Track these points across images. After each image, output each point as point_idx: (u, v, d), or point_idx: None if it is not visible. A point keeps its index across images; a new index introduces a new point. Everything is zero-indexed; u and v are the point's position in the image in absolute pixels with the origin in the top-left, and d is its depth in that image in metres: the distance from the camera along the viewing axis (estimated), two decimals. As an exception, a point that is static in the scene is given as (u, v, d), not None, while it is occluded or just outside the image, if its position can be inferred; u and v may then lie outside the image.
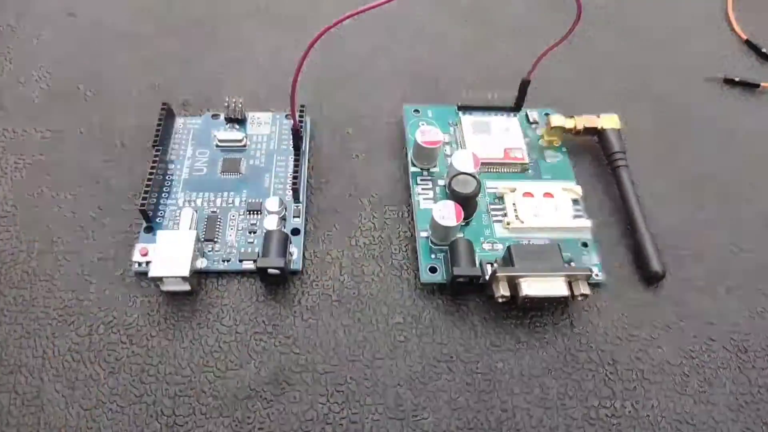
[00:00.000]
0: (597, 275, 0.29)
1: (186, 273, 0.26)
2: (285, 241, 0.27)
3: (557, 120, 0.33)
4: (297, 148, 0.31)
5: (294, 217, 0.30)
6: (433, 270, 0.28)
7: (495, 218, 0.30)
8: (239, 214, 0.30)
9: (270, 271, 0.27)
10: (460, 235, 0.29)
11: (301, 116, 0.32)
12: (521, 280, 0.26)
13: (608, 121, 0.33)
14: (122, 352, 0.26)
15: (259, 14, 0.41)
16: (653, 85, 0.38)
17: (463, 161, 0.29)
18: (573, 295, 0.26)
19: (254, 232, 0.29)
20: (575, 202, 0.31)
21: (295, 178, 0.30)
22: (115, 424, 0.24)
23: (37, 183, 0.31)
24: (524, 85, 0.33)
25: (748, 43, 0.41)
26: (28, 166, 0.32)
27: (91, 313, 0.27)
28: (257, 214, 0.30)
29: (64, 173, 0.32)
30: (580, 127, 0.33)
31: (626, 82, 0.38)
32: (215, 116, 0.34)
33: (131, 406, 0.25)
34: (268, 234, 0.27)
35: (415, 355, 0.26)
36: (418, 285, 0.28)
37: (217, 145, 0.32)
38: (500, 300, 0.26)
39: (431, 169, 0.32)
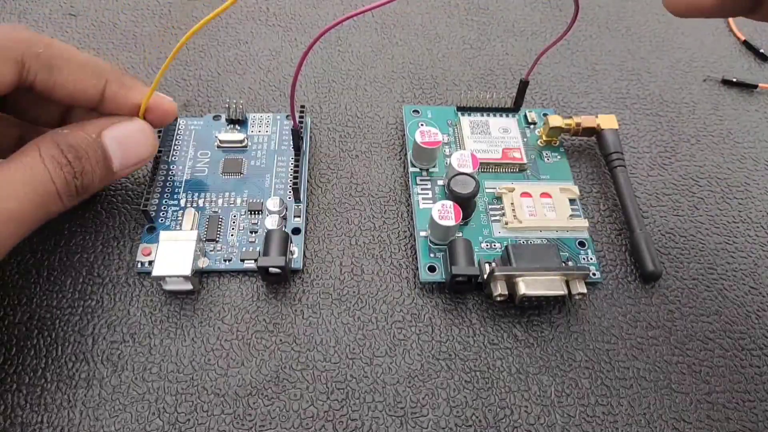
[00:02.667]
0: (594, 274, 0.29)
1: (188, 272, 0.26)
2: (286, 241, 0.28)
3: (555, 120, 0.33)
4: (297, 148, 0.31)
5: (294, 216, 0.30)
6: (432, 269, 0.28)
7: (493, 218, 0.30)
8: (240, 214, 0.30)
9: (271, 270, 0.27)
10: (459, 234, 0.30)
11: (300, 117, 0.32)
12: (519, 279, 0.26)
13: (606, 122, 0.33)
14: (125, 350, 0.26)
15: (259, 14, 0.41)
16: (651, 85, 0.39)
17: (462, 162, 0.30)
18: (570, 294, 0.27)
19: (255, 232, 0.30)
20: (572, 201, 0.31)
21: (295, 178, 0.30)
22: (118, 421, 0.25)
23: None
24: (523, 86, 0.33)
25: (746, 44, 0.41)
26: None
27: (95, 312, 0.27)
28: (258, 214, 0.30)
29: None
30: (578, 127, 0.33)
31: (624, 82, 0.39)
32: (216, 117, 0.34)
33: (134, 404, 0.25)
34: (269, 233, 0.28)
35: (414, 353, 0.27)
36: (418, 284, 0.29)
37: (219, 146, 0.33)
38: (498, 299, 0.27)
39: (430, 170, 0.32)
